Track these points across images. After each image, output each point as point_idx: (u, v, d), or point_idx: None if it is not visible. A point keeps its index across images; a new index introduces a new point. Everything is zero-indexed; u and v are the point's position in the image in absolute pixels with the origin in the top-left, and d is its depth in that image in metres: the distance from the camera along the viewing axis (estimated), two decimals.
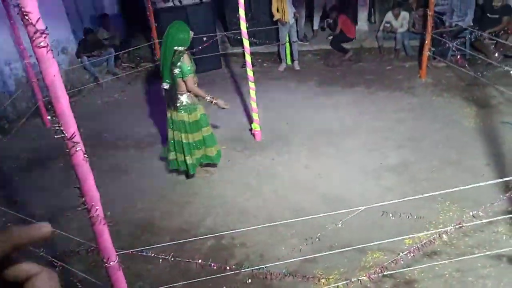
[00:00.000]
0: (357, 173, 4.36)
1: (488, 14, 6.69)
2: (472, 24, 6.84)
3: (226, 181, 4.41)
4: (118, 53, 7.82)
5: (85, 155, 1.99)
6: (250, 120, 5.22)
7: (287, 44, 7.43)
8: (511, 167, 4.16)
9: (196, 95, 3.99)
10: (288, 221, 2.74)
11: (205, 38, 7.46)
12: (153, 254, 2.33)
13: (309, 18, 8.70)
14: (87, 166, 1.99)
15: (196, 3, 7.89)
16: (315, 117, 5.62)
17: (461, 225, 2.45)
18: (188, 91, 3.95)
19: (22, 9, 1.56)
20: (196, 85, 3.99)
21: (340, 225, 2.83)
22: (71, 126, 1.86)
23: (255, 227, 2.86)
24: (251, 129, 5.21)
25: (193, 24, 7.46)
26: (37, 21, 1.59)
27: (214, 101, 4.01)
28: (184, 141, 4.11)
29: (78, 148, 1.92)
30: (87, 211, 1.98)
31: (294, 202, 3.96)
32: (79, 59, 7.33)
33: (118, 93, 7.11)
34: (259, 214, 3.81)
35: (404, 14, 7.32)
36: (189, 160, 4.17)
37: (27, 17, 1.56)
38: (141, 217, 3.94)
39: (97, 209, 1.99)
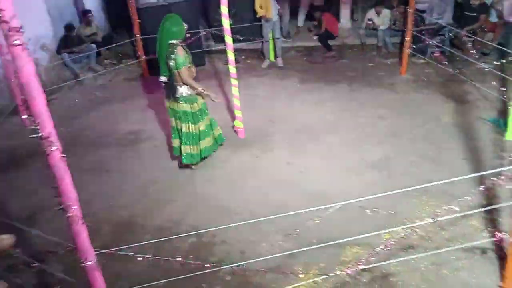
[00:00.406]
0: (338, 169, 4.42)
1: (466, 12, 6.84)
2: (451, 21, 6.99)
3: (209, 179, 4.42)
4: (99, 49, 7.73)
5: (62, 155, 1.98)
6: (233, 117, 5.24)
7: (271, 41, 7.45)
8: (487, 162, 4.29)
9: (191, 86, 4.09)
10: (267, 217, 2.77)
11: (188, 35, 7.42)
12: (132, 253, 2.34)
13: (294, 15, 8.74)
14: (64, 166, 1.98)
15: (179, 1, 7.84)
16: (298, 114, 5.67)
17: (435, 220, 2.51)
18: (186, 84, 4.07)
19: None
20: (193, 76, 4.14)
21: (317, 221, 2.89)
22: (47, 126, 1.84)
23: (235, 224, 2.88)
24: (234, 126, 5.22)
25: None
26: (11, 18, 1.57)
27: (205, 93, 4.16)
28: (184, 130, 4.22)
29: (54, 148, 1.91)
30: (63, 211, 1.97)
31: (276, 198, 4.00)
32: (60, 56, 7.22)
33: (99, 90, 7.03)
34: (241, 211, 3.83)
35: (386, 12, 7.43)
36: (193, 150, 4.30)
37: (0, 14, 1.54)
38: (122, 215, 3.92)
39: (74, 208, 1.98)
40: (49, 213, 3.77)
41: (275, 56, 7.56)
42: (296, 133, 5.17)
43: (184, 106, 4.14)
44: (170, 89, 4.13)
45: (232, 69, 4.91)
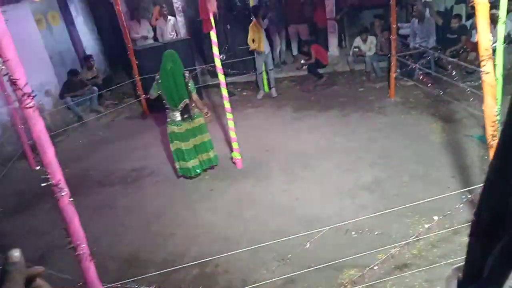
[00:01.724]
0: (333, 194, 4.60)
1: (448, 35, 7.17)
2: (435, 44, 7.31)
3: (209, 210, 4.60)
4: (101, 91, 8.07)
5: (71, 199, 2.20)
6: (231, 149, 5.46)
7: (264, 73, 7.78)
8: (475, 178, 4.46)
9: (199, 107, 4.98)
10: (263, 244, 2.94)
11: (187, 73, 7.79)
12: (137, 286, 2.50)
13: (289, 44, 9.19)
14: (72, 209, 2.19)
15: (175, 40, 8.25)
16: (293, 142, 5.89)
17: (418, 237, 2.67)
18: (196, 106, 4.95)
19: (11, 77, 1.80)
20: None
21: (313, 245, 3.05)
22: (57, 174, 2.07)
23: (233, 252, 3.05)
24: (232, 158, 5.44)
25: None
26: (24, 85, 1.83)
27: (208, 114, 5.08)
28: (184, 148, 4.96)
29: (64, 193, 2.13)
30: (73, 249, 2.17)
31: (274, 226, 4.16)
32: (63, 100, 7.55)
33: (102, 130, 7.32)
34: (241, 240, 3.99)
35: (371, 39, 7.78)
36: (192, 164, 5.03)
37: (15, 83, 1.80)
38: (127, 251, 4.09)
39: (82, 246, 2.17)
40: (59, 252, 3.94)
41: (269, 87, 7.87)
42: (291, 160, 5.38)
43: (199, 120, 5.02)
44: (187, 112, 4.90)
45: (227, 104, 5.18)
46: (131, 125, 7.45)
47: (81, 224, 2.29)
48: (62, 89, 7.65)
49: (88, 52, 8.81)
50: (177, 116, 4.88)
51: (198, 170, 5.14)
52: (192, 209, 4.67)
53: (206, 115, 5.05)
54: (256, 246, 3.08)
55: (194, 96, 4.89)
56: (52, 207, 4.84)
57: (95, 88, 7.92)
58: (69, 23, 8.87)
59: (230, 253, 3.05)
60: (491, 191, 0.56)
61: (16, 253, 0.59)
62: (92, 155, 6.40)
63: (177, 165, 5.13)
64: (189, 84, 4.83)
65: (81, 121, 7.53)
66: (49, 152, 2.02)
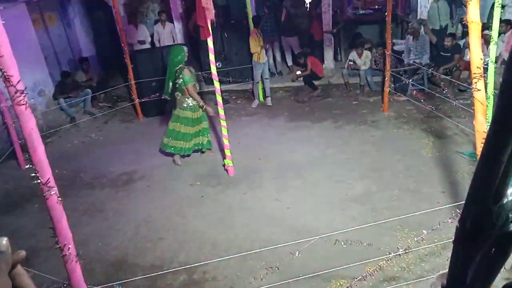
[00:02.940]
0: (324, 204, 4.61)
1: (441, 53, 7.29)
2: (428, 62, 7.43)
3: (200, 216, 4.58)
4: (95, 94, 8.05)
5: (59, 198, 2.18)
6: (224, 156, 5.46)
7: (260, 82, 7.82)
8: (464, 194, 4.47)
9: (194, 99, 5.40)
10: (252, 252, 2.93)
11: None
12: None
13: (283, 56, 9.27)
14: (60, 208, 2.17)
15: (171, 45, 8.27)
16: (286, 151, 5.91)
17: (407, 251, 2.68)
18: (192, 97, 5.38)
19: (4, 73, 1.80)
20: (197, 91, 5.52)
21: (302, 255, 3.05)
22: (46, 173, 2.06)
23: (221, 259, 3.03)
24: (224, 165, 5.44)
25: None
26: (17, 83, 1.83)
27: (205, 106, 5.52)
28: (182, 131, 5.53)
29: (52, 192, 2.11)
30: (60, 250, 2.14)
31: (264, 234, 4.15)
32: (56, 101, 7.51)
33: (95, 132, 7.28)
34: (230, 247, 3.97)
35: (367, 53, 7.88)
36: (185, 145, 5.60)
37: (9, 80, 1.80)
38: (115, 255, 4.04)
39: (69, 247, 2.15)
40: (45, 254, 3.89)
41: (264, 96, 7.91)
42: (284, 169, 5.39)
43: (187, 113, 5.48)
44: (175, 102, 5.49)
45: (221, 111, 5.19)
46: (124, 129, 7.42)
47: (69, 225, 2.26)
48: (55, 90, 7.62)
49: (84, 54, 8.81)
50: (186, 102, 5.44)
51: (186, 152, 5.68)
52: (182, 214, 4.65)
53: (202, 107, 5.50)
54: (245, 253, 3.06)
55: (190, 88, 5.30)
56: (40, 208, 4.79)
57: (88, 90, 7.89)
58: (66, 24, 8.87)
59: (218, 260, 3.04)
60: (474, 198, 0.57)
61: (3, 242, 0.58)
62: (83, 157, 6.36)
63: (165, 141, 5.65)
64: (180, 77, 5.23)
65: (74, 122, 7.49)
66: (39, 150, 2.00)
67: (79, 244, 4.23)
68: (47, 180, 2.06)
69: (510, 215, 0.52)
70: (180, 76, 5.23)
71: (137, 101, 7.53)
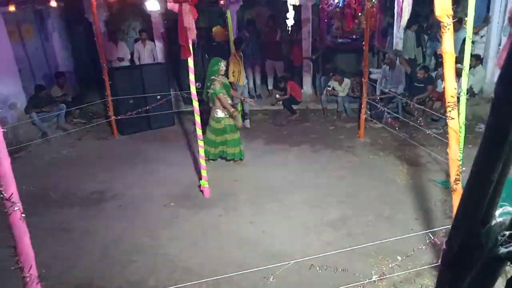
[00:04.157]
0: (299, 229, 4.56)
1: (415, 83, 7.54)
2: (402, 91, 7.67)
3: (172, 238, 4.44)
4: (69, 109, 7.87)
5: (23, 214, 2.06)
6: (200, 176, 5.37)
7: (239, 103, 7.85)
8: (437, 221, 4.56)
9: (225, 107, 5.74)
10: (225, 276, 2.83)
11: (159, 97, 7.76)
12: None
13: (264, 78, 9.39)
14: (23, 226, 2.04)
15: (151, 64, 8.26)
16: (262, 174, 5.88)
17: (381, 277, 2.66)
18: (222, 106, 5.74)
19: None
20: (229, 101, 5.83)
21: (275, 280, 2.97)
22: (10, 187, 1.94)
23: (192, 283, 2.92)
24: (200, 186, 5.34)
25: (147, 84, 7.78)
26: None
27: (234, 114, 5.84)
28: (209, 138, 5.94)
29: (16, 208, 1.99)
30: (20, 270, 2.00)
31: (238, 258, 4.05)
32: (28, 115, 7.29)
33: (67, 149, 7.06)
34: (203, 271, 3.84)
35: (346, 81, 8.07)
36: (212, 151, 6.01)
37: None
38: (80, 277, 3.84)
39: (31, 268, 2.02)
40: (5, 274, 3.64)
41: (243, 118, 7.92)
42: (260, 192, 5.34)
43: (213, 123, 5.88)
44: (210, 111, 5.92)
45: (199, 131, 5.14)
46: (98, 146, 7.24)
47: (33, 245, 2.13)
48: (27, 104, 7.40)
49: (61, 69, 8.65)
50: (215, 112, 5.83)
51: (214, 158, 6.09)
52: (154, 236, 4.49)
53: (232, 115, 5.82)
54: (217, 277, 2.96)
55: (221, 98, 5.64)
56: (2, 226, 4.54)
57: (63, 105, 7.71)
58: (44, 38, 8.73)
59: (190, 284, 2.92)
60: (463, 220, 0.55)
61: None
62: (53, 174, 6.12)
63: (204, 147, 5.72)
64: (212, 87, 5.66)
65: (46, 137, 7.26)
66: (5, 163, 1.89)
67: (42, 265, 3.99)
68: (11, 195, 1.94)
69: (499, 238, 0.50)
70: (212, 86, 5.66)
71: (113, 118, 7.41)
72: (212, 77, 5.68)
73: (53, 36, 8.90)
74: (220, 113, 5.81)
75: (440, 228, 3.87)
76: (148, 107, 7.57)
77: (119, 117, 7.37)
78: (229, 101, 5.86)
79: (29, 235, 2.06)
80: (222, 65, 5.71)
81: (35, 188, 5.59)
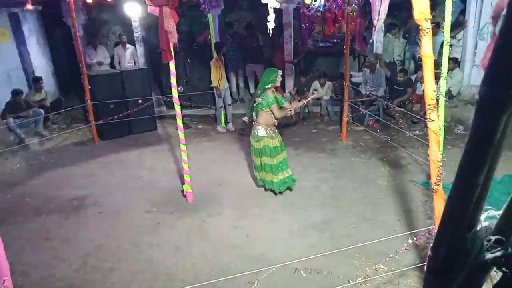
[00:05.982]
0: (283, 232, 4.55)
1: (395, 86, 7.66)
2: (383, 94, 7.77)
3: (154, 245, 4.37)
4: (48, 114, 7.68)
5: None
6: (183, 181, 5.31)
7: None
8: (419, 222, 4.62)
9: (277, 118, 5.06)
10: (209, 282, 2.80)
11: (140, 101, 7.67)
12: None
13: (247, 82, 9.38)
14: None
15: (132, 69, 8.15)
16: (246, 178, 5.85)
17: (365, 279, 2.67)
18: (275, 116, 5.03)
19: None
20: (279, 111, 5.03)
21: (257, 284, 2.95)
22: None
23: None
24: (183, 191, 5.28)
25: (128, 89, 7.68)
26: None
27: (293, 109, 5.20)
28: (255, 162, 5.26)
29: None
30: None
31: (223, 263, 4.01)
32: (4, 120, 7.08)
33: (45, 155, 6.89)
34: (186, 277, 3.79)
35: (329, 84, 8.13)
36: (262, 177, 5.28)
37: None
38: (60, 286, 3.73)
39: (5, 279, 1.94)
40: None
41: (226, 122, 7.90)
42: (243, 196, 5.31)
43: (254, 143, 5.15)
44: (251, 128, 5.21)
45: (181, 135, 5.08)
46: (78, 151, 7.09)
47: (10, 254, 2.05)
48: (4, 109, 7.19)
49: (38, 74, 8.43)
50: (256, 129, 5.09)
51: (276, 188, 5.21)
52: (136, 243, 4.41)
53: (291, 114, 5.26)
54: (201, 284, 2.92)
55: (274, 109, 4.95)
56: None
57: (41, 110, 7.53)
58: (20, 42, 8.51)
59: None
60: (448, 227, 0.55)
61: None
62: (31, 181, 5.96)
63: (255, 174, 5.37)
64: (263, 96, 4.95)
65: (23, 143, 7.06)
66: None
67: (20, 275, 3.89)
68: None
69: (485, 243, 0.49)
70: (263, 95, 4.95)
71: (93, 123, 7.27)
72: (266, 86, 4.95)
73: (30, 40, 8.68)
74: (261, 131, 5.04)
75: (422, 228, 3.91)
76: (129, 112, 7.47)
77: (99, 122, 7.24)
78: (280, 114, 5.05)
79: (3, 245, 1.98)
80: (279, 75, 4.99)
81: (11, 196, 5.43)
